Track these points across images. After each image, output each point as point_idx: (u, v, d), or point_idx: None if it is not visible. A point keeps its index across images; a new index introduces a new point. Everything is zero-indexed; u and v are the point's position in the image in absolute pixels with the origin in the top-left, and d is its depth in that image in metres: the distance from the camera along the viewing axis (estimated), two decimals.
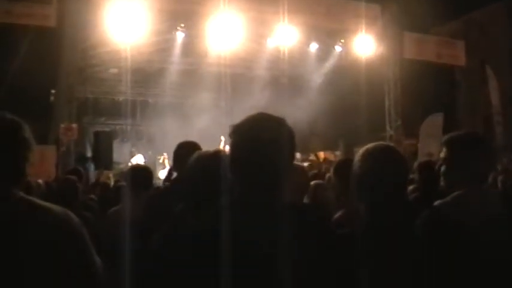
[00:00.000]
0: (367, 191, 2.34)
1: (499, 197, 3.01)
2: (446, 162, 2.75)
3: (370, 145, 2.46)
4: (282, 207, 1.83)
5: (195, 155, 2.69)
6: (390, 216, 2.26)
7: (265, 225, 1.75)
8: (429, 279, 2.13)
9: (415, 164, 5.10)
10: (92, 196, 6.69)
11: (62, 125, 15.77)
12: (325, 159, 17.76)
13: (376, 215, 2.29)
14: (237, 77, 21.27)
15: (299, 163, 7.03)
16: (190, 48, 18.44)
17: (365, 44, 17.57)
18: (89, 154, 17.55)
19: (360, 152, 2.47)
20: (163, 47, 18.78)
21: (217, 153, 2.60)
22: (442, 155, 2.80)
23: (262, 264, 1.71)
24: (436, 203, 2.66)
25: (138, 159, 17.84)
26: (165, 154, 18.27)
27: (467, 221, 2.42)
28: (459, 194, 2.64)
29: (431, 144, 16.54)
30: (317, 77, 20.38)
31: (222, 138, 17.09)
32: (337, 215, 3.48)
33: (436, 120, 17.28)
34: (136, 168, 4.99)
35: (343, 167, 3.62)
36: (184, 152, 3.62)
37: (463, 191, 2.64)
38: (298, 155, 16.44)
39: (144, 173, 4.71)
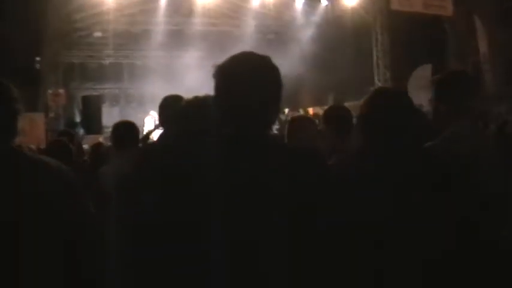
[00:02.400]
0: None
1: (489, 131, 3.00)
2: (434, 100, 2.86)
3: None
4: (268, 141, 1.86)
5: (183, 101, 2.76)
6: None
7: (252, 159, 1.75)
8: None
9: None
10: (85, 158, 6.75)
11: (50, 91, 15.78)
12: (314, 114, 17.83)
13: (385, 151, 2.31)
14: (223, 35, 21.22)
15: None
16: (174, 7, 18.31)
17: None
18: (78, 119, 17.55)
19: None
20: (147, 8, 18.63)
21: (205, 96, 2.71)
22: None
23: (250, 195, 1.71)
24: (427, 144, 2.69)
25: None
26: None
27: (458, 155, 2.50)
28: (448, 131, 2.72)
29: (421, 95, 16.59)
30: (304, 32, 20.31)
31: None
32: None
33: (425, 71, 17.33)
34: (118, 124, 4.68)
35: (333, 113, 3.72)
36: (169, 104, 3.66)
37: (451, 127, 2.72)
38: (287, 111, 16.58)
39: (125, 129, 4.55)
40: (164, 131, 3.71)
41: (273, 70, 1.86)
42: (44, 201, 1.98)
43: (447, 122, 2.79)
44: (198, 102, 2.67)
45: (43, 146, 10.93)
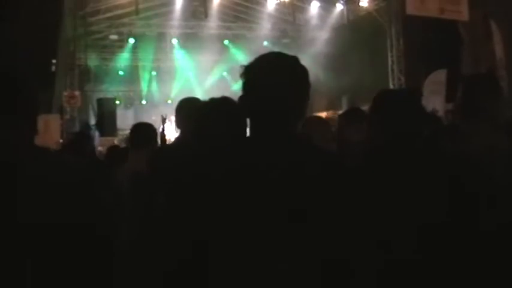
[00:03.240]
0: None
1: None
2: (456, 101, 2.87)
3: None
4: (295, 141, 1.85)
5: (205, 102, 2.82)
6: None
7: (279, 159, 1.75)
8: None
9: None
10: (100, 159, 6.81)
11: (65, 93, 15.90)
12: (327, 118, 17.79)
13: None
14: (238, 39, 21.42)
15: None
16: (189, 11, 18.40)
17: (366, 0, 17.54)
18: (93, 121, 17.68)
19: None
20: (162, 11, 18.74)
21: (221, 98, 2.76)
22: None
23: (275, 193, 1.71)
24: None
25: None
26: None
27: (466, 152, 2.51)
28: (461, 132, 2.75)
29: (435, 100, 16.57)
30: (319, 36, 20.32)
31: None
32: None
33: (439, 76, 17.25)
34: (136, 125, 4.84)
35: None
36: (186, 106, 3.72)
37: (464, 128, 2.74)
38: None
39: (142, 130, 4.70)
40: (181, 132, 3.77)
41: (302, 70, 1.87)
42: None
43: (463, 122, 2.80)
44: (215, 104, 2.72)
45: (58, 147, 11.05)
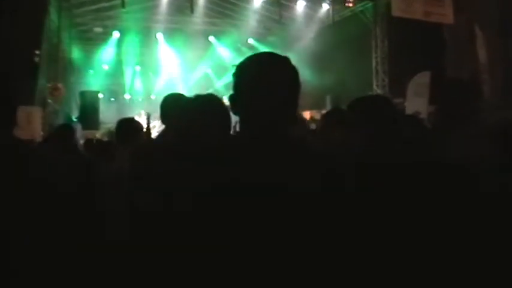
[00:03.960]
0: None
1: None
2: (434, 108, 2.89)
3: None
4: (287, 142, 1.83)
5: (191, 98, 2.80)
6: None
7: (270, 160, 1.74)
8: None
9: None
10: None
11: (48, 85, 15.75)
12: (311, 118, 17.82)
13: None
14: (223, 35, 21.49)
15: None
16: (175, 6, 18.32)
17: (353, 1, 17.63)
18: (76, 114, 17.56)
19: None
20: (148, 5, 18.64)
21: (207, 95, 2.77)
22: None
23: (267, 197, 1.69)
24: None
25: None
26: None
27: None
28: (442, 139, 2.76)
29: (418, 102, 16.67)
30: (304, 34, 20.35)
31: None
32: None
33: (423, 78, 17.35)
34: (121, 121, 4.80)
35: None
36: (171, 101, 3.71)
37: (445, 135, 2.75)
38: None
39: (125, 125, 4.71)
40: (164, 128, 3.76)
41: (293, 70, 1.87)
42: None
43: (444, 129, 2.81)
44: (199, 101, 2.73)
45: (39, 139, 10.96)
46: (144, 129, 5.22)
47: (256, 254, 1.68)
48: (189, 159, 1.89)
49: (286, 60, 1.88)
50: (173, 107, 3.57)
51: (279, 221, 1.69)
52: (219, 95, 2.80)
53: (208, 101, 2.71)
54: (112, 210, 3.34)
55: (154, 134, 14.33)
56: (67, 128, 5.74)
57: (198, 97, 2.77)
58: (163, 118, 3.76)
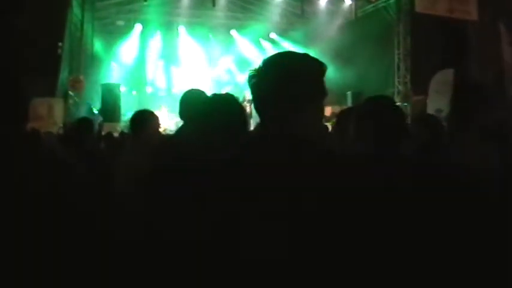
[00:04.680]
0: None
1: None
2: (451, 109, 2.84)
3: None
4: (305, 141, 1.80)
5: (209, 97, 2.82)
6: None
7: (289, 159, 1.73)
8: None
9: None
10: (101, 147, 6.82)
11: (70, 78, 15.88)
12: (332, 113, 17.73)
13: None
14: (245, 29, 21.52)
15: None
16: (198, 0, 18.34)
17: None
18: (98, 106, 17.66)
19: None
20: None
21: (226, 94, 2.78)
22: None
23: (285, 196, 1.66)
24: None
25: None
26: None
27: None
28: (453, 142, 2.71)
29: (440, 100, 16.48)
30: (327, 30, 20.23)
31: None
32: None
33: (446, 76, 17.14)
34: (137, 113, 4.89)
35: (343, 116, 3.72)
36: (190, 98, 3.73)
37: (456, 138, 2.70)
38: None
39: (135, 116, 4.78)
40: (184, 125, 3.76)
41: (319, 71, 1.88)
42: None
43: (457, 131, 2.76)
44: (220, 100, 2.72)
45: (61, 131, 11.06)
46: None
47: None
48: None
49: (305, 56, 1.89)
50: (193, 103, 3.57)
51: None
52: (236, 95, 2.80)
53: (224, 102, 2.69)
54: (125, 205, 3.32)
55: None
56: (85, 124, 5.78)
57: (215, 97, 2.78)
58: (182, 114, 3.79)
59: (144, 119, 4.72)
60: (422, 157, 2.51)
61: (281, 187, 1.67)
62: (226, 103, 2.66)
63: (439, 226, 2.13)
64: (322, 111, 2.01)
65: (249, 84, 1.87)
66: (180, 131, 3.73)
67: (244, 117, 2.64)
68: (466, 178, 2.36)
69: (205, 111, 2.64)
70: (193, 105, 3.45)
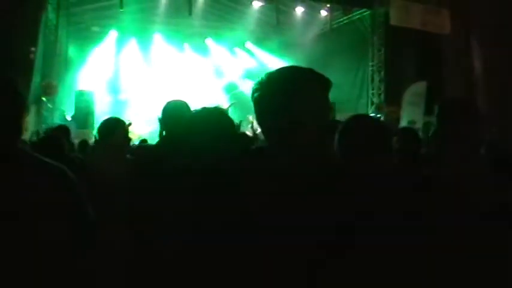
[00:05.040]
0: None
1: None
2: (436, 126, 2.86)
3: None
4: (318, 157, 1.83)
5: (198, 111, 2.75)
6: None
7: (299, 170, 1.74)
8: None
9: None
10: (78, 155, 6.72)
11: (43, 83, 15.66)
12: None
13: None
14: (221, 38, 21.55)
15: None
16: (174, 8, 18.24)
17: (352, 9, 17.72)
18: (71, 113, 17.47)
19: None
20: (146, 6, 18.56)
21: (214, 108, 2.74)
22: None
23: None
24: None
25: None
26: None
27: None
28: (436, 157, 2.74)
29: (413, 112, 16.73)
30: (302, 41, 20.34)
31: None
32: None
33: (419, 88, 17.39)
34: (104, 120, 4.82)
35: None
36: (173, 108, 3.73)
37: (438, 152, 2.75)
38: None
39: (109, 124, 4.72)
40: (165, 136, 3.74)
41: (322, 86, 1.88)
42: (44, 205, 2.00)
43: (439, 146, 2.80)
44: (206, 115, 2.68)
45: (34, 138, 10.87)
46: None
47: None
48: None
49: (311, 72, 1.90)
50: (176, 115, 3.58)
51: None
52: (224, 109, 2.79)
53: (214, 116, 2.67)
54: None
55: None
56: (63, 132, 5.71)
57: (204, 110, 2.73)
58: (164, 125, 3.75)
59: (112, 126, 4.68)
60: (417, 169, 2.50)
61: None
62: (217, 120, 2.64)
63: None
64: (326, 126, 1.95)
65: (252, 98, 1.86)
66: (162, 143, 3.70)
67: (234, 132, 2.65)
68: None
69: (196, 128, 2.60)
70: (178, 117, 3.48)
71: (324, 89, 1.88)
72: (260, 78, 1.88)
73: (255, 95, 1.85)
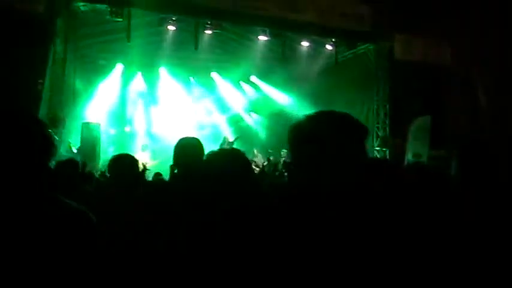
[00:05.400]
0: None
1: None
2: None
3: None
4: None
5: (216, 155, 2.71)
6: None
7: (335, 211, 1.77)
8: None
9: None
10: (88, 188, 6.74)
11: (49, 115, 15.70)
12: None
13: None
14: (226, 71, 21.77)
15: None
16: (180, 40, 18.39)
17: (356, 44, 17.90)
18: (77, 145, 17.49)
19: None
20: (154, 40, 18.72)
21: (232, 150, 2.74)
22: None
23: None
24: None
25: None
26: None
27: None
28: None
29: (418, 145, 16.75)
30: (307, 74, 20.40)
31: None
32: None
33: (423, 123, 17.43)
34: (113, 157, 4.76)
35: None
36: (185, 146, 3.80)
37: None
38: (285, 151, 16.81)
39: (117, 160, 4.66)
40: (178, 172, 3.80)
41: (360, 131, 1.95)
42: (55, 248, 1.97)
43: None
44: (227, 157, 2.67)
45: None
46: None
47: None
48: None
49: (348, 119, 1.98)
50: (189, 153, 3.64)
51: None
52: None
53: (232, 158, 2.66)
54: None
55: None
56: (73, 163, 5.71)
57: (222, 152, 2.75)
58: (177, 162, 3.79)
59: (122, 162, 4.65)
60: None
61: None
62: (233, 162, 2.62)
63: None
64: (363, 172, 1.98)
65: (288, 137, 1.91)
66: (176, 180, 3.71)
67: (250, 175, 2.62)
68: None
69: (213, 170, 2.57)
70: (191, 155, 3.57)
71: (359, 138, 1.97)
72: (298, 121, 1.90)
73: (291, 135, 1.90)
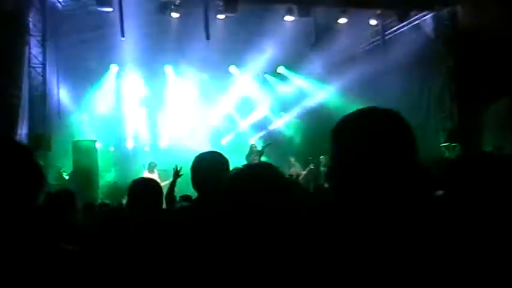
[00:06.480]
0: None
1: None
2: None
3: None
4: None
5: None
6: None
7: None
8: None
9: None
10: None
11: (31, 135, 15.53)
12: None
13: None
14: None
15: None
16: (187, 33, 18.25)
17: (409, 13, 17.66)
18: (69, 170, 17.32)
19: None
20: (153, 31, 18.57)
21: (258, 165, 2.98)
22: None
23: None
24: None
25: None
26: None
27: None
28: None
29: (499, 135, 16.31)
30: (347, 58, 20.15)
31: None
32: None
33: (503, 106, 16.87)
34: (134, 182, 4.68)
35: None
36: (207, 165, 3.95)
37: None
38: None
39: (140, 186, 4.61)
40: (201, 197, 3.94)
41: (405, 128, 2.05)
42: None
43: None
44: (254, 176, 2.61)
45: None
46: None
47: None
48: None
49: (395, 116, 2.11)
50: (209, 177, 3.76)
51: None
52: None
53: (265, 175, 2.62)
54: None
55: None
56: (66, 193, 5.64)
57: (245, 171, 2.67)
58: (198, 183, 3.92)
59: (147, 189, 4.59)
60: None
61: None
62: (258, 186, 2.53)
63: None
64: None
65: (331, 139, 2.02)
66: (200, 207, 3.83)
67: (287, 201, 2.55)
68: None
69: (233, 204, 2.52)
70: (212, 174, 3.72)
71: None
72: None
73: (335, 136, 2.04)
